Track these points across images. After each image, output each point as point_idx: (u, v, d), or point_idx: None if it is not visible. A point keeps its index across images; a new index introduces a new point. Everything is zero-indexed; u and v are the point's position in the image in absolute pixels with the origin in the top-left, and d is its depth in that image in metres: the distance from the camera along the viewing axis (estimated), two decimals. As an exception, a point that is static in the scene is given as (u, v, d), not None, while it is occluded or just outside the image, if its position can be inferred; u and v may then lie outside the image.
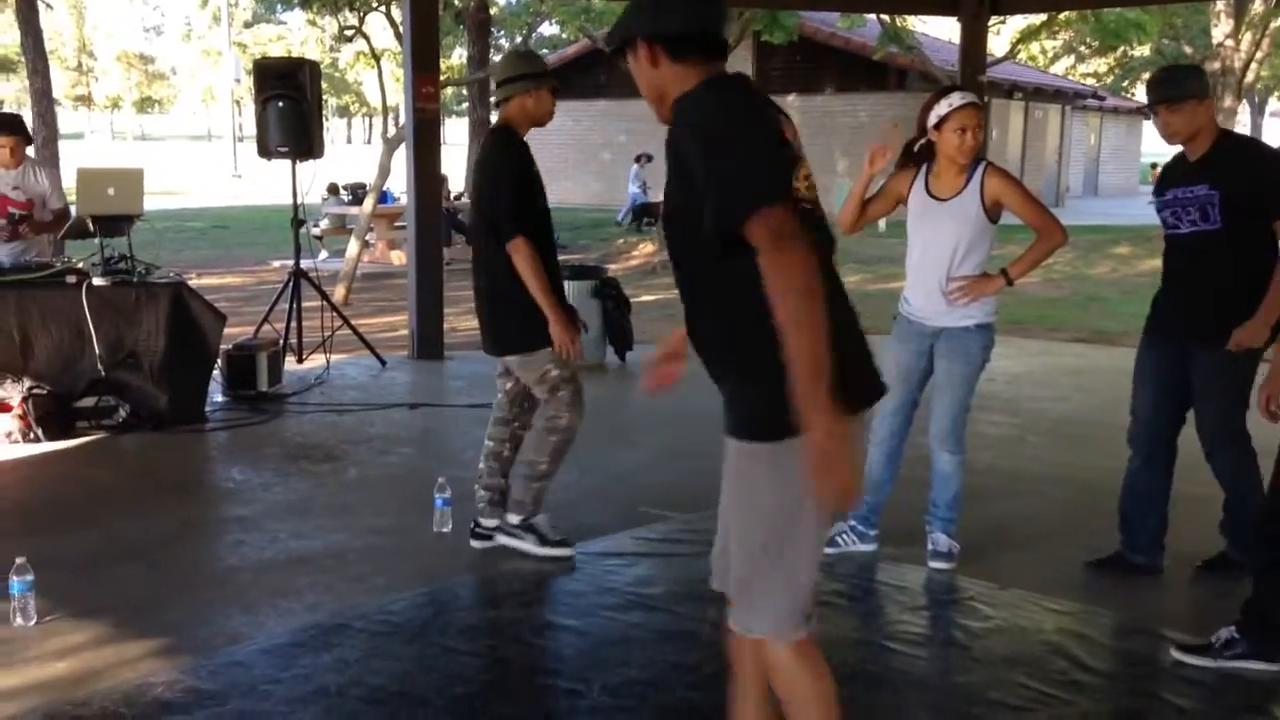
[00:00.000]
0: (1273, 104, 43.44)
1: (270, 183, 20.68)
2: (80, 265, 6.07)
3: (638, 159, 20.83)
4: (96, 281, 5.91)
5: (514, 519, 4.17)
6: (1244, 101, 31.78)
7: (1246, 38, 25.91)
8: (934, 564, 4.13)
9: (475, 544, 4.23)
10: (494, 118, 4.23)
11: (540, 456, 4.08)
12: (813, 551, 2.27)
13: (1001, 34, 19.13)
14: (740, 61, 18.78)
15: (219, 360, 6.52)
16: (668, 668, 3.29)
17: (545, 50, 24.69)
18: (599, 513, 4.70)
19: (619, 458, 5.58)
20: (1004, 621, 3.68)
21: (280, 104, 7.41)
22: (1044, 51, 27.73)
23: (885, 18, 15.52)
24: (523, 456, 4.18)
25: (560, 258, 4.30)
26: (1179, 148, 3.83)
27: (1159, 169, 4.09)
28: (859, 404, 2.21)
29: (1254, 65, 27.03)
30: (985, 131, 4.26)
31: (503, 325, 4.04)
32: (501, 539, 4.19)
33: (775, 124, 2.20)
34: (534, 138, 4.02)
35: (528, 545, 4.15)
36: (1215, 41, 26.08)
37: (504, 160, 3.97)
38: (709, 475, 5.06)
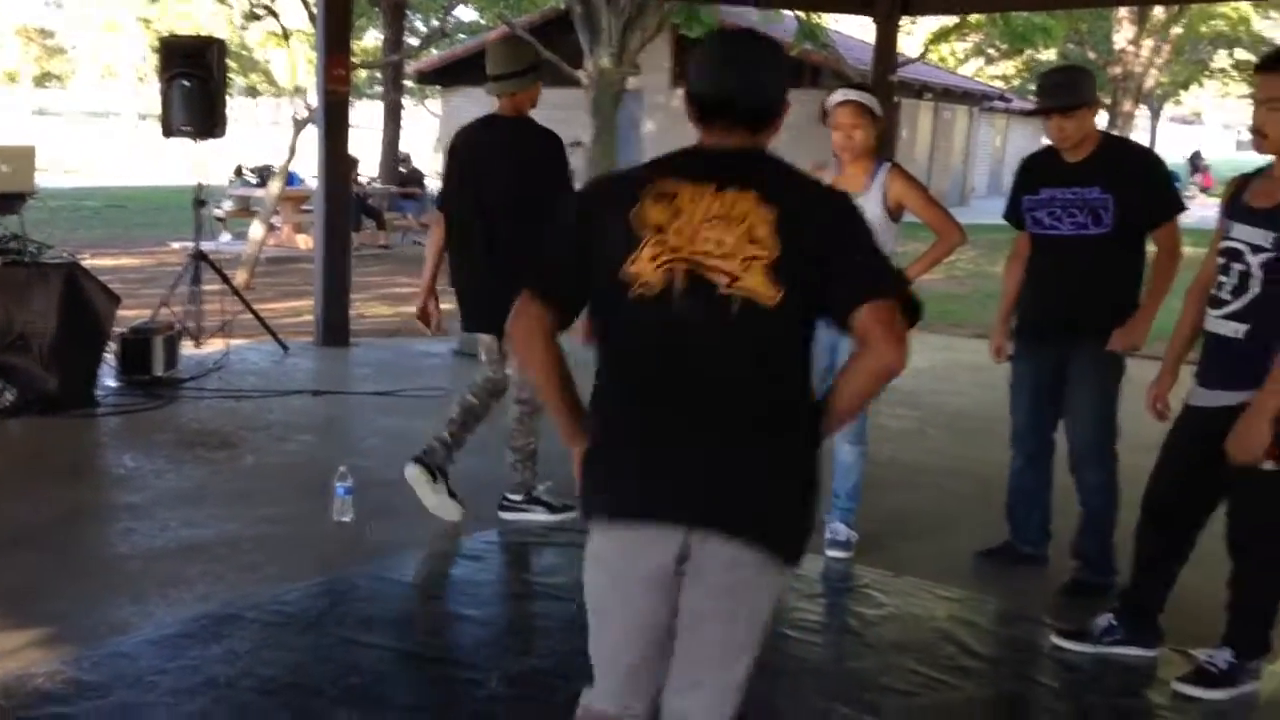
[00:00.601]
0: (1169, 109, 44.87)
1: (170, 162, 20.17)
2: (-33, 244, 5.86)
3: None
4: (-16, 260, 5.71)
5: (515, 497, 4.45)
6: (1143, 106, 32.80)
7: (1148, 44, 26.75)
8: (831, 553, 4.20)
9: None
10: (493, 103, 4.36)
11: (524, 438, 4.38)
12: None
13: (914, 35, 19.44)
14: (658, 54, 18.84)
15: (113, 344, 6.35)
16: (571, 657, 3.28)
17: (463, 36, 24.43)
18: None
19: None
20: (897, 609, 3.76)
21: (186, 83, 7.23)
22: (954, 54, 28.27)
23: (802, 15, 15.68)
24: (511, 443, 4.40)
25: None
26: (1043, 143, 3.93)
27: (1023, 164, 4.07)
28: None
29: (1154, 71, 27.94)
30: (893, 130, 4.34)
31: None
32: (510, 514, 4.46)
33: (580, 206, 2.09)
34: (448, 123, 4.04)
35: (539, 516, 4.43)
36: (1118, 47, 26.88)
37: (563, 156, 4.24)
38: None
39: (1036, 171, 3.96)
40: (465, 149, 4.38)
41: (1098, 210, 3.76)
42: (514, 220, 4.11)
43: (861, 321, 1.92)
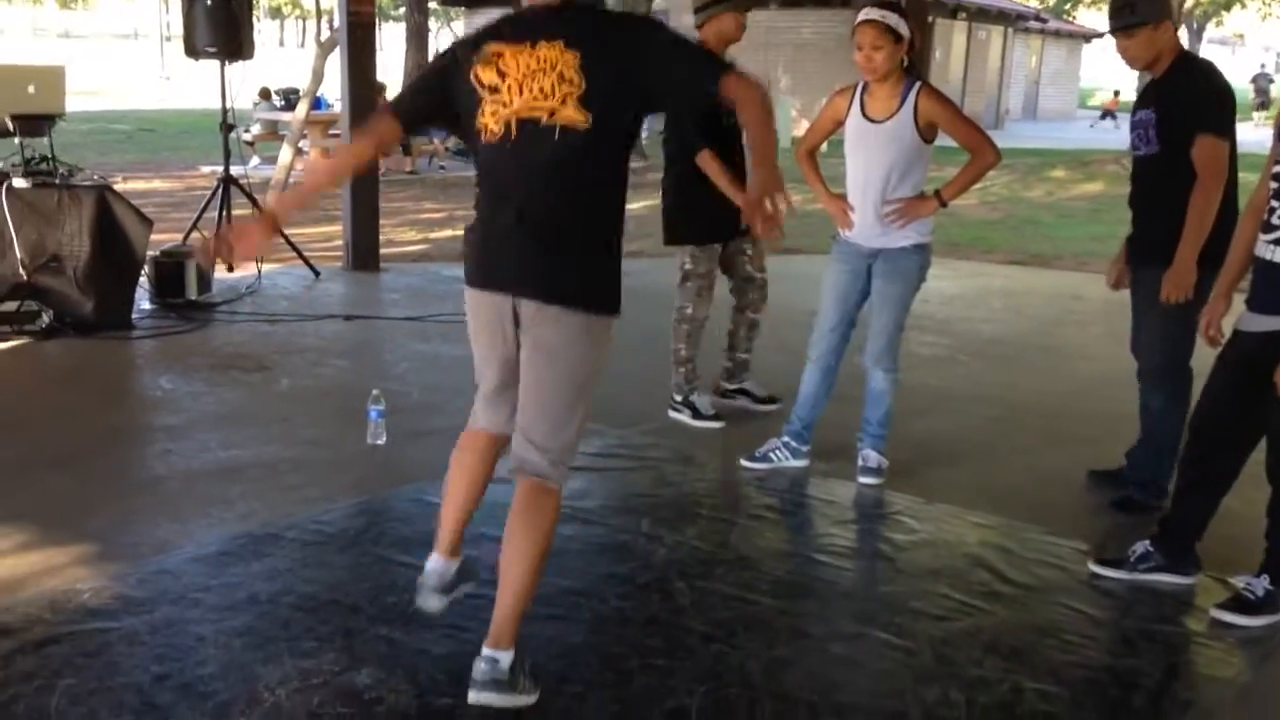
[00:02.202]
0: (1210, 30, 43.78)
1: (198, 86, 20.06)
2: (0, 166, 5.87)
3: None
4: (17, 183, 5.72)
5: (676, 397, 4.89)
6: (1183, 27, 32.01)
7: (1188, -37, 26.01)
8: (863, 479, 4.21)
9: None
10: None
11: (677, 343, 4.83)
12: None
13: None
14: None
15: (146, 266, 6.37)
16: (600, 578, 3.33)
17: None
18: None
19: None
20: (929, 535, 3.77)
21: (209, 1, 7.14)
22: (990, -28, 27.65)
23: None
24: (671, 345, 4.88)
25: None
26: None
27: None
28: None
29: (1194, -9, 27.20)
30: (926, 52, 4.23)
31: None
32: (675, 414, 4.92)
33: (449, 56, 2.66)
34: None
35: (685, 418, 4.86)
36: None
37: None
38: (643, 390, 5.08)
39: (1138, 95, 3.98)
40: None
41: (1148, 130, 3.72)
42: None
43: (728, 88, 2.43)
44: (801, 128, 20.37)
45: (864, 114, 4.01)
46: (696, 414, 4.87)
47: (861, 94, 4.03)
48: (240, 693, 2.58)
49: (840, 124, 4.11)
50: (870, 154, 4.00)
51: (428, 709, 2.55)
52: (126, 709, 2.49)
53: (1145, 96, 3.86)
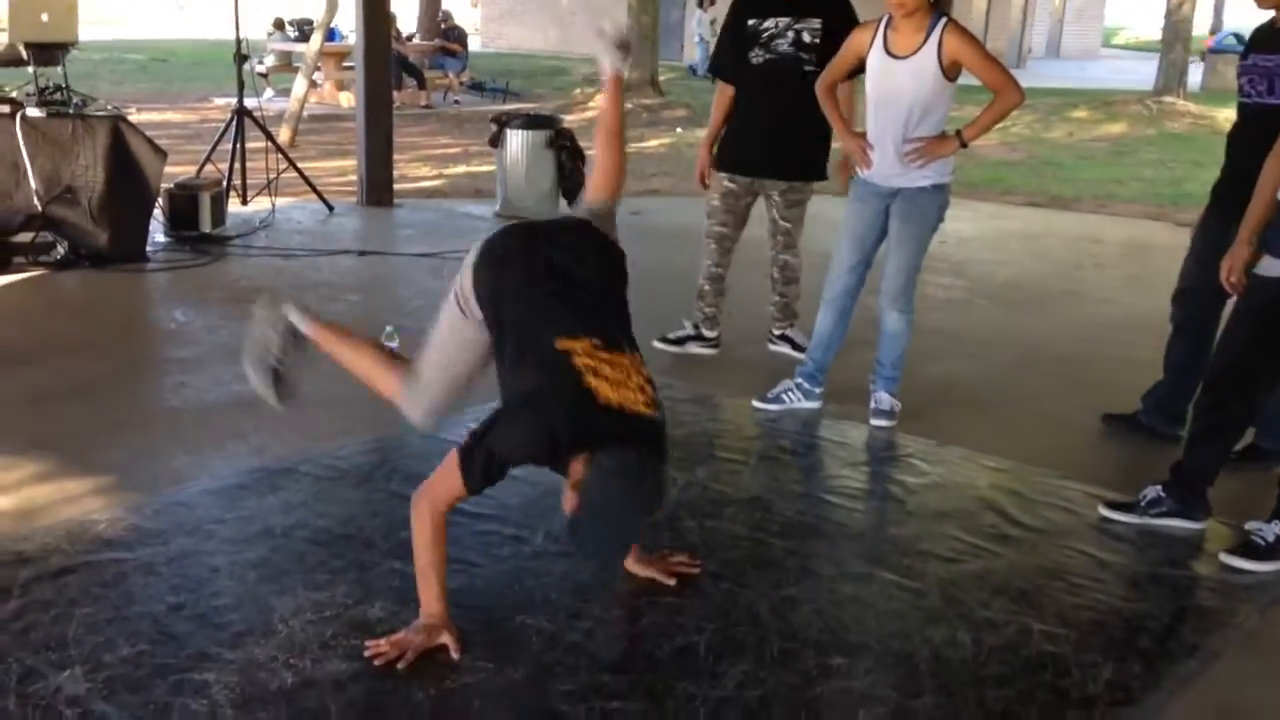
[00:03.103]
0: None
1: (212, 15, 19.88)
2: (13, 95, 5.83)
3: (700, 3, 20.96)
4: (31, 112, 5.69)
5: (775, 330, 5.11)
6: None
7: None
8: (875, 421, 4.21)
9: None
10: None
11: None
12: None
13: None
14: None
15: (160, 199, 6.36)
16: (611, 516, 3.35)
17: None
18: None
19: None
20: (940, 477, 3.77)
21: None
22: (1016, -94, 27.05)
23: None
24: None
25: (513, 106, 4.37)
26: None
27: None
28: None
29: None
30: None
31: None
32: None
33: None
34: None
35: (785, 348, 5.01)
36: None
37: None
38: (658, 328, 5.06)
39: (1253, 37, 3.75)
40: None
41: (1273, 79, 3.57)
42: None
43: None
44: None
45: (887, 49, 3.95)
46: (796, 346, 4.94)
47: (885, 29, 3.96)
48: (255, 623, 2.61)
49: (862, 59, 4.05)
50: (892, 91, 3.95)
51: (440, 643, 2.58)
52: (143, 638, 2.53)
53: (1273, 41, 3.59)
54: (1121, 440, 4.20)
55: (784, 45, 4.62)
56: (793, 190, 4.80)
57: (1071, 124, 15.69)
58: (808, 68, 4.55)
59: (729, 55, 4.79)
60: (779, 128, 4.66)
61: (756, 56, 4.66)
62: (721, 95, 4.86)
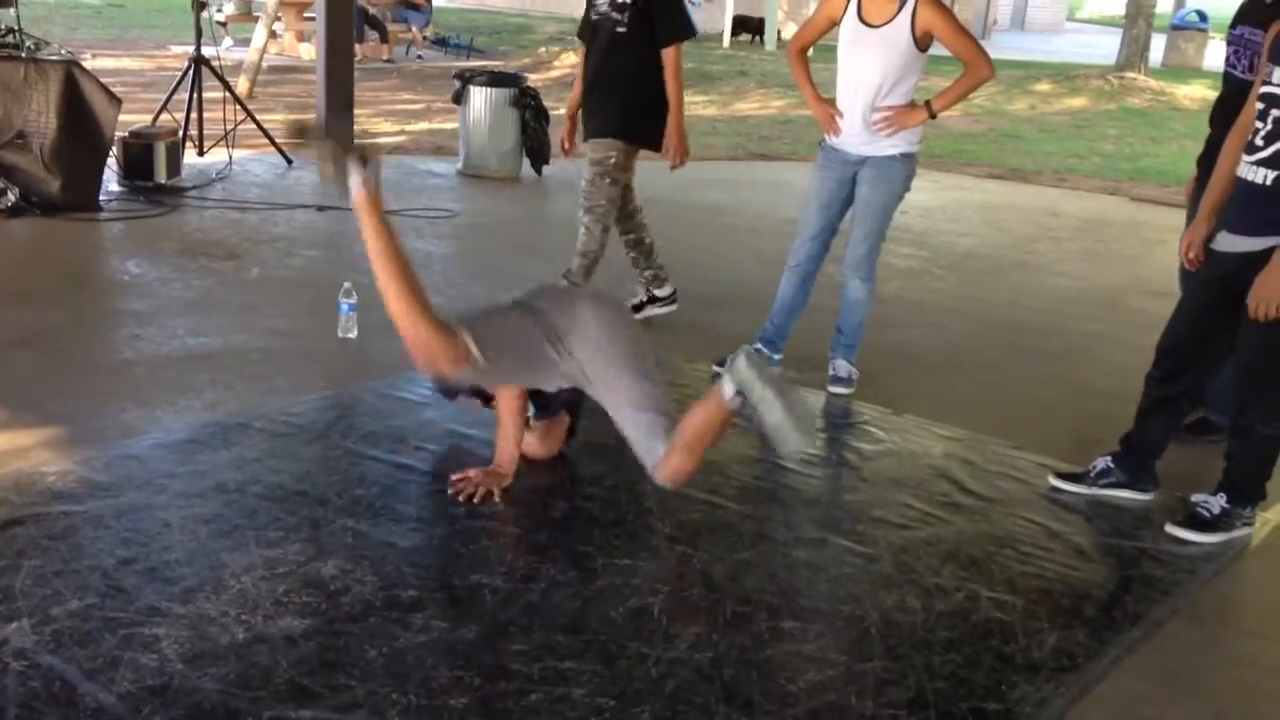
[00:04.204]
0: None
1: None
2: (-38, 37, 5.69)
3: None
4: (-20, 56, 5.55)
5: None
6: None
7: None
8: (832, 389, 4.23)
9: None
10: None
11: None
12: None
13: None
14: None
15: (114, 147, 6.24)
16: (567, 479, 3.35)
17: None
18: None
19: (530, 270, 5.53)
20: (895, 445, 3.81)
21: None
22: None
23: None
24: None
25: (478, 63, 4.36)
26: None
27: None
28: None
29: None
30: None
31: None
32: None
33: None
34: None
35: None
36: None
37: None
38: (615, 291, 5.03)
39: (1241, 8, 3.71)
40: None
41: (1255, 55, 3.54)
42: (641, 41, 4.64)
43: None
44: (788, 29, 20.06)
45: (860, 17, 3.94)
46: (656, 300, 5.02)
47: None
48: (206, 578, 2.59)
49: (835, 24, 4.03)
50: (863, 59, 3.94)
51: (393, 601, 2.57)
52: (91, 590, 2.50)
53: (1261, 13, 3.50)
54: (1072, 411, 4.25)
55: (604, 6, 4.59)
56: (591, 148, 4.69)
57: (1034, 97, 15.77)
58: (619, 29, 4.52)
59: (585, 18, 4.79)
60: (593, 86, 4.69)
61: (593, 15, 4.67)
62: (581, 59, 4.91)
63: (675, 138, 4.64)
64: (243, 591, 2.56)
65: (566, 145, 5.02)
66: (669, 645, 2.50)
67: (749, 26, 21.79)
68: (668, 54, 4.51)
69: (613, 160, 4.64)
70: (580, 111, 4.83)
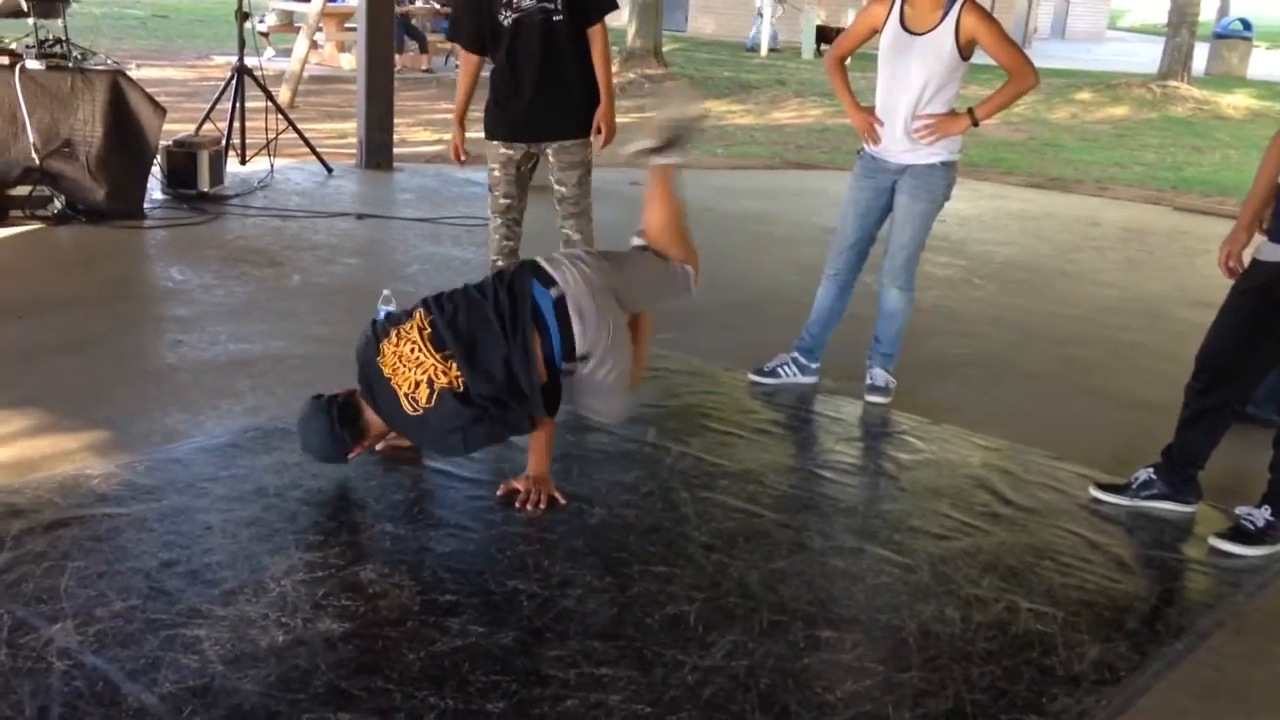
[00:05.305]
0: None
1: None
2: (13, 47, 5.79)
3: None
4: (30, 65, 5.65)
5: None
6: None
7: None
8: (870, 398, 4.21)
9: None
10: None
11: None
12: None
13: None
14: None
15: (158, 156, 6.33)
16: (605, 486, 3.35)
17: None
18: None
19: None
20: (933, 455, 3.78)
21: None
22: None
23: None
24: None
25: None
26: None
27: None
28: None
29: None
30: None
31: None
32: None
33: None
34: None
35: None
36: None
37: None
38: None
39: None
40: None
41: None
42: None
43: None
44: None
45: (903, 25, 3.92)
46: None
47: (901, 4, 3.93)
48: (247, 581, 2.62)
49: (876, 33, 4.02)
50: (906, 67, 3.92)
51: (431, 605, 2.59)
52: (134, 592, 2.53)
53: None
54: (1114, 422, 4.21)
55: (526, 2, 4.18)
56: (564, 152, 4.36)
57: (1075, 106, 15.63)
58: (555, 19, 4.18)
59: (480, 19, 4.28)
60: (539, 87, 4.28)
61: (506, 16, 4.20)
62: (466, 64, 4.46)
63: (608, 123, 4.34)
64: (283, 594, 2.58)
65: (461, 156, 4.54)
66: (705, 653, 2.49)
67: (828, 38, 21.47)
68: (596, 32, 4.24)
69: (590, 158, 4.44)
70: (501, 114, 4.40)
